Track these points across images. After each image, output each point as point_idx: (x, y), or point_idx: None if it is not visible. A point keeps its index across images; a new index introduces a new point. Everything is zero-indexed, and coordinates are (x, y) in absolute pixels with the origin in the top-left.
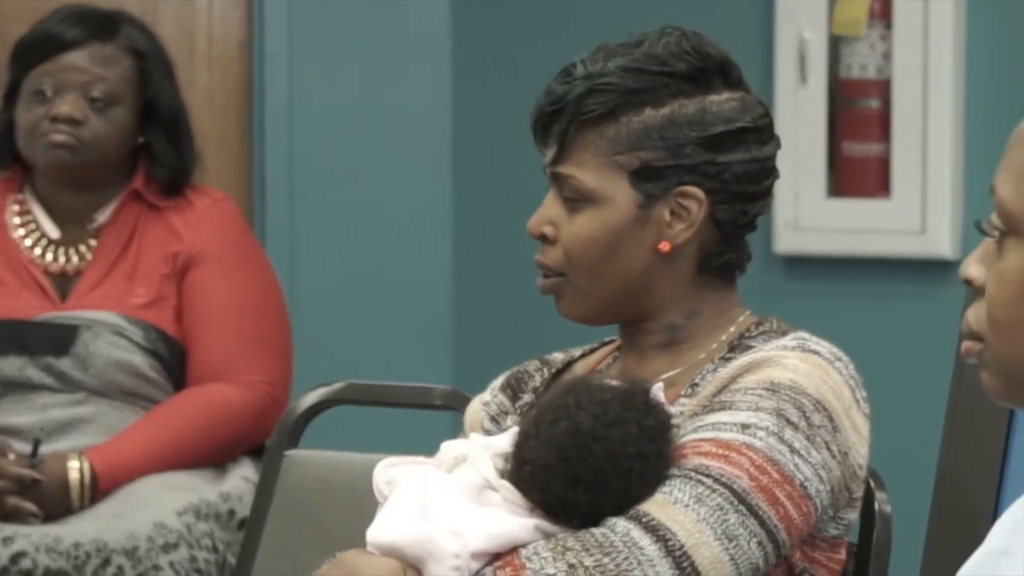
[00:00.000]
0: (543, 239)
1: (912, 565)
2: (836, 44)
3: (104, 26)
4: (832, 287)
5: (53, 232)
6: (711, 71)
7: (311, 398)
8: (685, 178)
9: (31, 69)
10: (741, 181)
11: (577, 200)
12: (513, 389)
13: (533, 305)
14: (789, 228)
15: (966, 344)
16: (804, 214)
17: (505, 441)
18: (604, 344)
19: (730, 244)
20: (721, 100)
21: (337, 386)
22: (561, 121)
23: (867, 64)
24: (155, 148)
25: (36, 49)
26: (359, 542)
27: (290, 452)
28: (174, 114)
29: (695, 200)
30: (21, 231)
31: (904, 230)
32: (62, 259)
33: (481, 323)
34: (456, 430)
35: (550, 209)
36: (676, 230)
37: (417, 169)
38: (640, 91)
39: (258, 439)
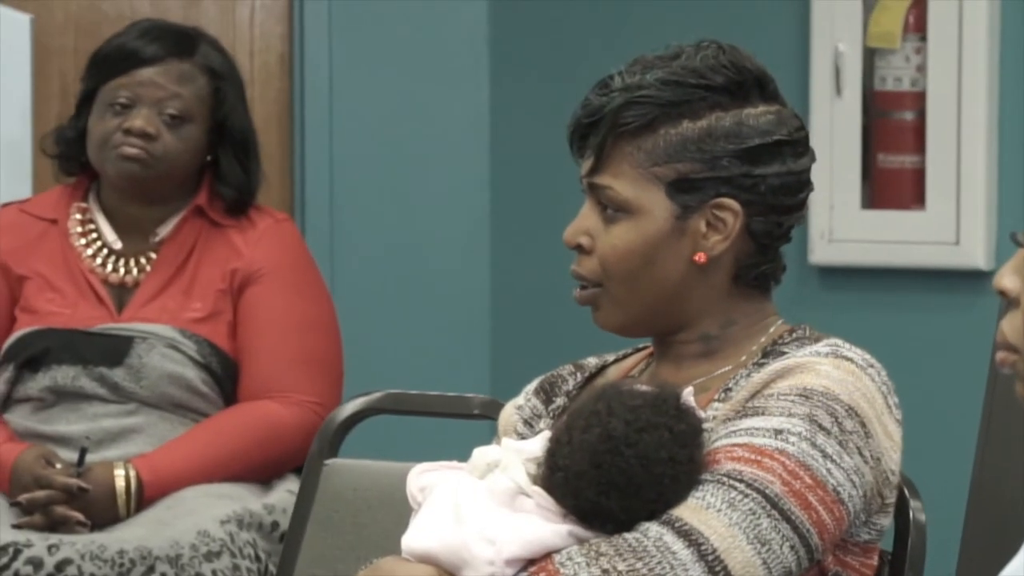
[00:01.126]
0: (579, 249)
1: (947, 573)
2: (871, 56)
3: (182, 44)
4: (867, 298)
5: (115, 243)
6: (748, 84)
7: (350, 408)
8: (721, 190)
9: (108, 80)
10: (777, 193)
11: (614, 211)
12: (546, 393)
13: (570, 315)
14: (824, 239)
15: (1000, 355)
16: (839, 225)
17: (537, 446)
18: (638, 350)
19: (765, 255)
20: (757, 113)
21: (376, 396)
22: (598, 132)
23: (902, 76)
24: (223, 167)
25: (114, 61)
26: (397, 551)
27: (330, 461)
28: (244, 135)
29: (731, 212)
30: (82, 240)
31: (938, 241)
32: (121, 270)
33: (518, 333)
34: (494, 439)
35: (586, 220)
36: (712, 241)
37: (455, 179)
38: (678, 103)
39: (305, 458)
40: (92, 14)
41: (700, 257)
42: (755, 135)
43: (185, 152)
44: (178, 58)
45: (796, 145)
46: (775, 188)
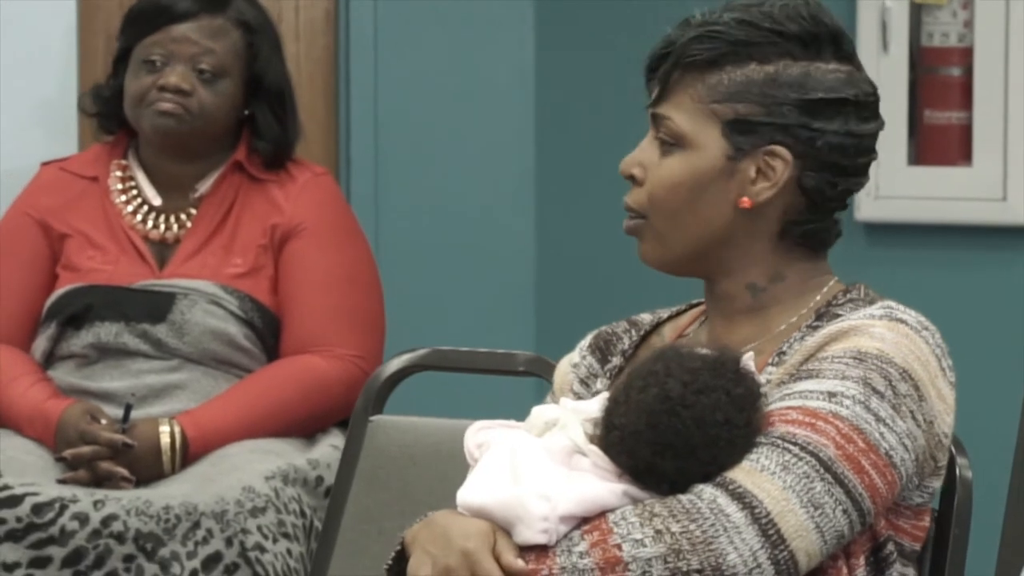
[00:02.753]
0: (632, 180)
1: (993, 530)
2: (918, 12)
3: None
4: (913, 254)
5: (155, 199)
6: (823, 39)
7: (395, 364)
8: (776, 137)
9: (142, 38)
10: (833, 152)
11: (670, 143)
12: (602, 351)
13: (615, 272)
14: (870, 196)
15: None
16: (885, 182)
17: (595, 406)
18: (692, 306)
19: (815, 214)
20: (828, 69)
21: (421, 352)
22: (667, 63)
23: (948, 32)
24: (259, 121)
25: (147, 19)
26: (443, 507)
27: (375, 417)
28: (280, 88)
29: (782, 160)
30: (123, 197)
31: (985, 197)
32: (162, 227)
33: (563, 290)
34: (539, 396)
35: (643, 151)
36: (759, 188)
37: (501, 137)
38: (748, 44)
39: (348, 412)
40: None
41: (745, 202)
42: (820, 89)
43: (221, 107)
44: (211, 13)
45: (862, 108)
46: (832, 146)
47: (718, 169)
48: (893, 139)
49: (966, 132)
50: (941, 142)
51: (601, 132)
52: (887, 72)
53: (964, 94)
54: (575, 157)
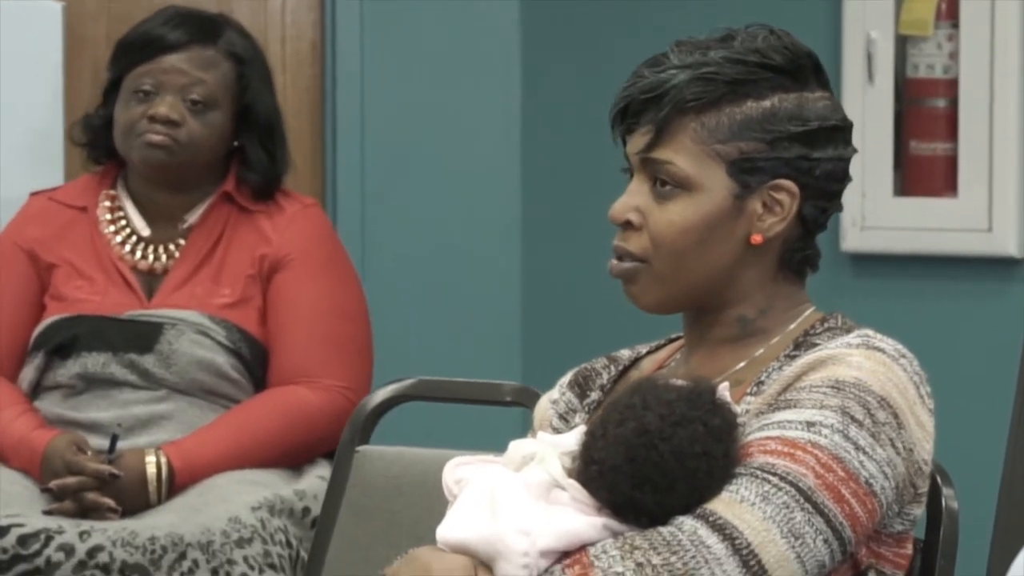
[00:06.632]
0: (627, 226)
1: (979, 561)
2: (903, 44)
3: (206, 29)
4: (899, 285)
5: (144, 230)
6: (807, 68)
7: (382, 394)
8: (781, 171)
9: (132, 68)
10: (828, 179)
11: (671, 187)
12: (581, 387)
13: (600, 303)
14: (856, 226)
15: None
16: (871, 212)
17: (572, 440)
18: (671, 341)
19: (808, 240)
20: (815, 97)
21: (407, 383)
22: (661, 107)
23: (934, 63)
24: (249, 152)
25: (138, 49)
26: (429, 537)
27: (361, 448)
28: (270, 120)
29: (788, 193)
30: (111, 228)
31: (971, 228)
32: (151, 257)
33: (549, 321)
34: (525, 426)
35: (636, 196)
36: (768, 223)
37: (486, 169)
38: (744, 82)
39: (335, 443)
40: (124, 2)
41: (757, 238)
42: (815, 118)
43: (210, 138)
44: (201, 44)
45: (846, 132)
46: (827, 173)
47: (726, 209)
48: (879, 170)
49: (952, 163)
50: (927, 173)
51: (588, 165)
52: (872, 103)
53: (949, 125)
54: (562, 189)
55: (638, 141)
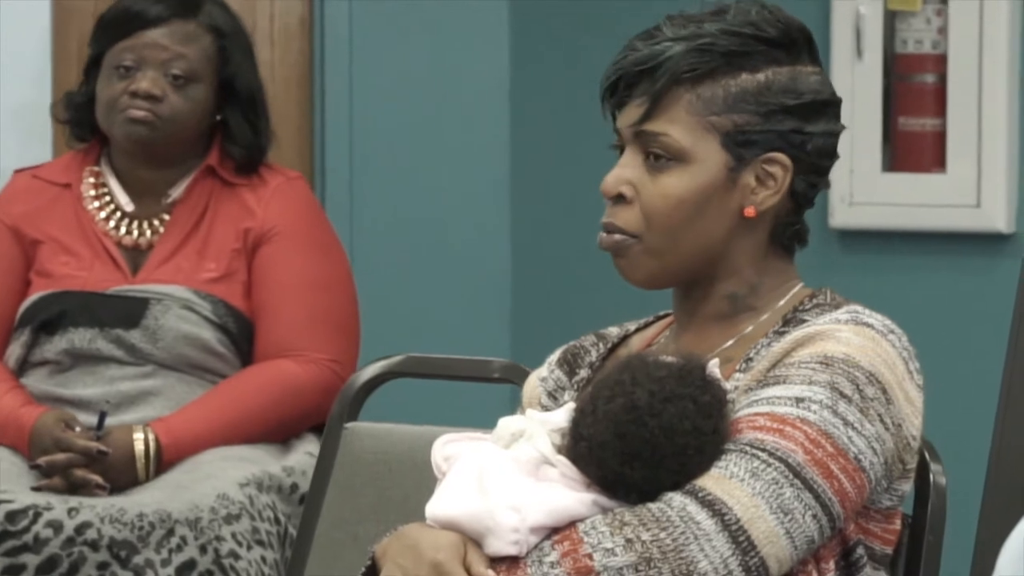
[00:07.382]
0: (618, 199)
1: (967, 536)
2: (892, 19)
3: (186, 4)
4: (887, 261)
5: (127, 205)
6: (799, 42)
7: (371, 371)
8: (774, 144)
9: (113, 44)
10: (820, 154)
11: (665, 159)
12: (570, 364)
13: (590, 280)
14: (844, 202)
15: None
16: (859, 188)
17: (562, 417)
18: (659, 318)
19: (798, 215)
20: (808, 71)
21: (396, 359)
22: (656, 79)
23: (923, 39)
24: (231, 126)
25: (119, 25)
26: (418, 513)
27: (350, 424)
28: (251, 93)
29: (781, 167)
30: (96, 204)
31: (959, 204)
32: (135, 233)
33: (539, 298)
34: (514, 403)
35: (628, 169)
36: (761, 196)
37: (476, 145)
38: (739, 54)
39: (323, 417)
40: None
41: (750, 211)
42: (808, 92)
43: (192, 112)
44: (182, 18)
45: (837, 108)
46: (819, 148)
47: (720, 181)
48: (867, 146)
49: (940, 139)
50: (915, 149)
51: (576, 139)
52: (861, 79)
53: (938, 101)
54: (551, 162)
55: (631, 114)
